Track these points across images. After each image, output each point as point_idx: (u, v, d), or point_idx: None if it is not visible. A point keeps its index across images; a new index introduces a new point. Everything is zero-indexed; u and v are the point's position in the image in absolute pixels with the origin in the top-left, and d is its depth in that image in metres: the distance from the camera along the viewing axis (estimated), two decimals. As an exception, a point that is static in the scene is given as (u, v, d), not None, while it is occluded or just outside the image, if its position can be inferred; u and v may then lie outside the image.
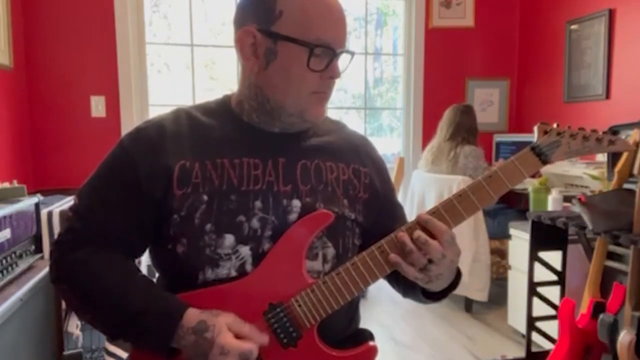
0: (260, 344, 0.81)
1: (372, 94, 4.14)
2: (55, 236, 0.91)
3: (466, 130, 3.20)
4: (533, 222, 2.16)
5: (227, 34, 3.57)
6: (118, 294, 0.83)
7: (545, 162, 0.90)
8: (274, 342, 0.84)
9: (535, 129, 0.91)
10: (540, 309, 2.20)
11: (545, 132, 0.91)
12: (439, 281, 0.88)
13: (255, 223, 0.87)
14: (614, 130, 0.95)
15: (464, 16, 3.90)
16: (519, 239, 2.66)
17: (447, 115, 3.28)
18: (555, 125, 0.92)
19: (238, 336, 0.80)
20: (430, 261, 0.83)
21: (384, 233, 0.88)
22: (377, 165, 1.03)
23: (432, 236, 0.84)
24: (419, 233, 0.83)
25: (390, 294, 3.47)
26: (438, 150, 3.25)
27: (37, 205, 1.70)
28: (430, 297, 0.95)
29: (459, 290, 3.11)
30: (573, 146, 0.91)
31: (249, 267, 0.87)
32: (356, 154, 1.00)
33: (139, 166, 0.87)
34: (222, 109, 0.96)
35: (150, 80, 3.46)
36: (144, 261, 2.17)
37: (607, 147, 0.92)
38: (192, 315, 0.81)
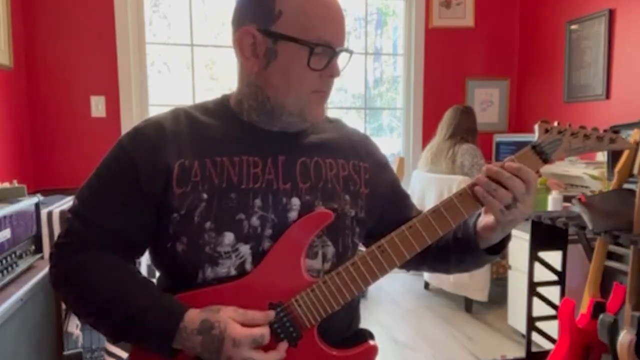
0: (267, 322, 0.82)
1: (372, 94, 4.15)
2: (55, 238, 0.91)
3: (465, 130, 3.21)
4: (533, 222, 2.16)
5: (227, 34, 3.57)
6: (118, 296, 0.83)
7: (546, 161, 0.90)
8: (274, 342, 0.84)
9: (536, 127, 0.91)
10: (540, 309, 2.20)
11: (547, 131, 0.91)
12: (519, 223, 0.90)
13: (255, 221, 0.87)
14: (614, 130, 0.95)
15: (464, 16, 3.90)
16: (519, 239, 2.65)
17: (447, 115, 3.29)
18: (556, 124, 0.91)
19: (244, 324, 0.81)
20: (514, 199, 0.85)
21: (396, 223, 0.88)
22: (377, 160, 1.04)
23: None
24: (502, 171, 0.85)
25: (390, 294, 3.48)
26: (437, 150, 3.26)
27: (37, 205, 1.70)
28: (491, 251, 0.96)
29: (459, 290, 3.13)
30: (574, 144, 0.91)
31: (248, 265, 0.87)
32: (355, 150, 1.00)
33: (138, 166, 0.87)
34: (220, 108, 0.96)
35: (150, 80, 3.46)
36: (144, 261, 2.17)
37: (608, 145, 0.92)
38: (194, 316, 0.81)
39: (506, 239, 0.96)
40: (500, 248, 0.96)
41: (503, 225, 0.89)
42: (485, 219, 0.92)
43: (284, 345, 0.83)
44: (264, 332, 0.81)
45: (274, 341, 0.84)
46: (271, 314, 0.83)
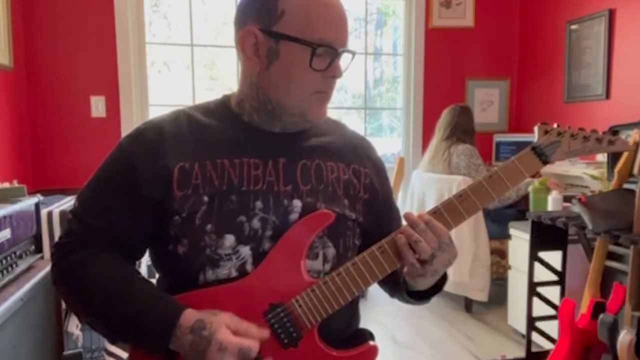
0: (260, 339, 0.81)
1: (372, 94, 4.15)
2: (56, 238, 0.91)
3: (462, 131, 3.21)
4: (533, 222, 2.16)
5: (227, 34, 3.57)
6: (116, 296, 0.83)
7: (545, 162, 0.90)
8: (274, 343, 0.84)
9: (536, 129, 0.91)
10: (540, 309, 2.20)
11: (546, 132, 0.91)
12: (429, 279, 0.88)
13: (255, 223, 0.87)
14: (614, 130, 0.95)
15: (464, 16, 3.90)
16: (519, 239, 2.66)
17: (445, 116, 3.29)
18: (555, 126, 0.92)
19: (236, 333, 0.80)
20: (432, 256, 0.84)
21: (380, 235, 0.88)
22: (376, 166, 1.03)
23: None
24: (419, 221, 0.85)
25: (390, 294, 3.47)
26: (435, 151, 3.26)
27: (37, 205, 1.70)
28: (414, 296, 0.95)
29: (459, 290, 3.12)
30: (573, 146, 0.91)
31: (249, 267, 0.86)
32: (356, 154, 1.00)
33: (138, 169, 0.87)
34: (221, 109, 0.96)
35: (150, 80, 3.46)
36: (144, 261, 2.17)
37: (607, 147, 0.92)
38: (190, 315, 0.80)
39: (432, 291, 0.94)
40: (423, 297, 0.95)
41: (412, 277, 0.88)
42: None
43: None
44: (252, 345, 0.79)
45: (274, 342, 0.84)
46: (266, 333, 0.82)
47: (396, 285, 0.97)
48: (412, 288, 0.93)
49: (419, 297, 0.95)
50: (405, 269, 0.88)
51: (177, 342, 0.80)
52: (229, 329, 0.79)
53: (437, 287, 0.94)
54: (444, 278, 0.94)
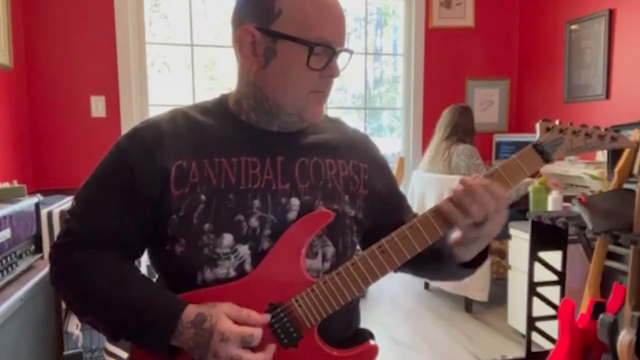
0: (262, 325, 0.81)
1: (372, 94, 4.15)
2: (55, 238, 0.91)
3: (463, 131, 3.21)
4: (533, 222, 2.16)
5: (227, 34, 3.55)
6: (117, 294, 0.83)
7: (547, 160, 0.89)
8: (274, 342, 0.84)
9: (537, 126, 0.91)
10: (540, 309, 2.20)
11: (548, 130, 0.90)
12: (483, 242, 0.88)
13: (254, 222, 0.87)
14: (615, 130, 0.95)
15: (464, 16, 3.90)
16: (519, 239, 2.66)
17: (445, 115, 3.29)
18: (557, 122, 0.91)
19: (237, 322, 0.80)
20: (486, 217, 0.83)
21: (392, 226, 0.88)
22: (377, 161, 1.03)
23: None
24: (476, 184, 0.83)
25: (390, 294, 3.48)
26: (435, 151, 3.26)
27: (37, 205, 1.70)
28: (467, 266, 0.94)
29: (459, 290, 3.12)
30: (575, 143, 0.90)
31: (248, 266, 0.86)
32: (355, 150, 1.00)
33: (135, 168, 0.87)
34: (219, 108, 0.96)
35: (150, 80, 3.46)
36: (144, 261, 2.17)
37: (610, 144, 0.91)
38: (191, 310, 0.81)
39: (482, 257, 0.93)
40: (475, 264, 0.94)
41: (467, 242, 0.88)
42: (455, 233, 0.90)
43: (271, 347, 0.83)
44: (254, 332, 0.80)
45: (274, 342, 0.83)
46: (267, 317, 0.83)
47: (442, 263, 0.95)
48: (461, 259, 0.92)
49: (470, 265, 0.94)
50: (458, 236, 0.88)
51: (179, 338, 0.80)
52: (229, 319, 0.80)
53: (484, 254, 0.93)
54: (487, 246, 0.93)
